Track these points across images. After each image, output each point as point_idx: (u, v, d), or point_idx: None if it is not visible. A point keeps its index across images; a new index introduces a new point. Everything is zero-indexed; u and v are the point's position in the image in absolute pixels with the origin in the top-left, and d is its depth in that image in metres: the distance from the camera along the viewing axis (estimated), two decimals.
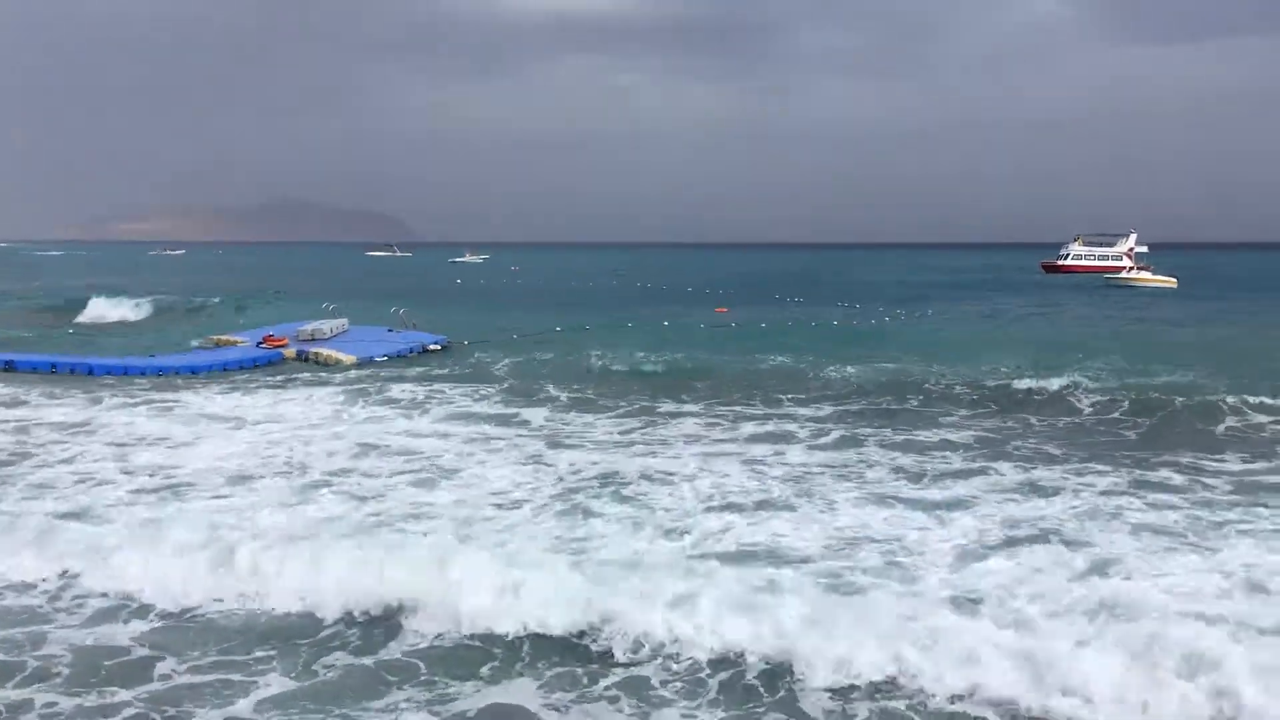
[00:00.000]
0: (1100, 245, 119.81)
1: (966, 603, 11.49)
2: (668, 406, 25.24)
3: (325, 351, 34.34)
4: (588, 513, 15.55)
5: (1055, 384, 25.42)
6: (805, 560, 13.20)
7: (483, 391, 27.41)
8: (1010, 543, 13.83)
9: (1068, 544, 13.66)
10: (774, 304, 60.42)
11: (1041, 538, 14.01)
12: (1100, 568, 12.71)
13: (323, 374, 31.37)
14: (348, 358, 33.64)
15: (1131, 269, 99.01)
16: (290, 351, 35.10)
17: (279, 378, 30.72)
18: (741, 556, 13.36)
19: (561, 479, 17.78)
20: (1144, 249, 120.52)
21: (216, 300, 58.56)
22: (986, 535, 14.22)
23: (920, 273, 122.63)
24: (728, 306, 57.26)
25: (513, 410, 24.69)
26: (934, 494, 16.57)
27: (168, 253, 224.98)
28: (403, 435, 21.80)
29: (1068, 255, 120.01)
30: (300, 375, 31.23)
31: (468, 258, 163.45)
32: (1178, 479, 17.47)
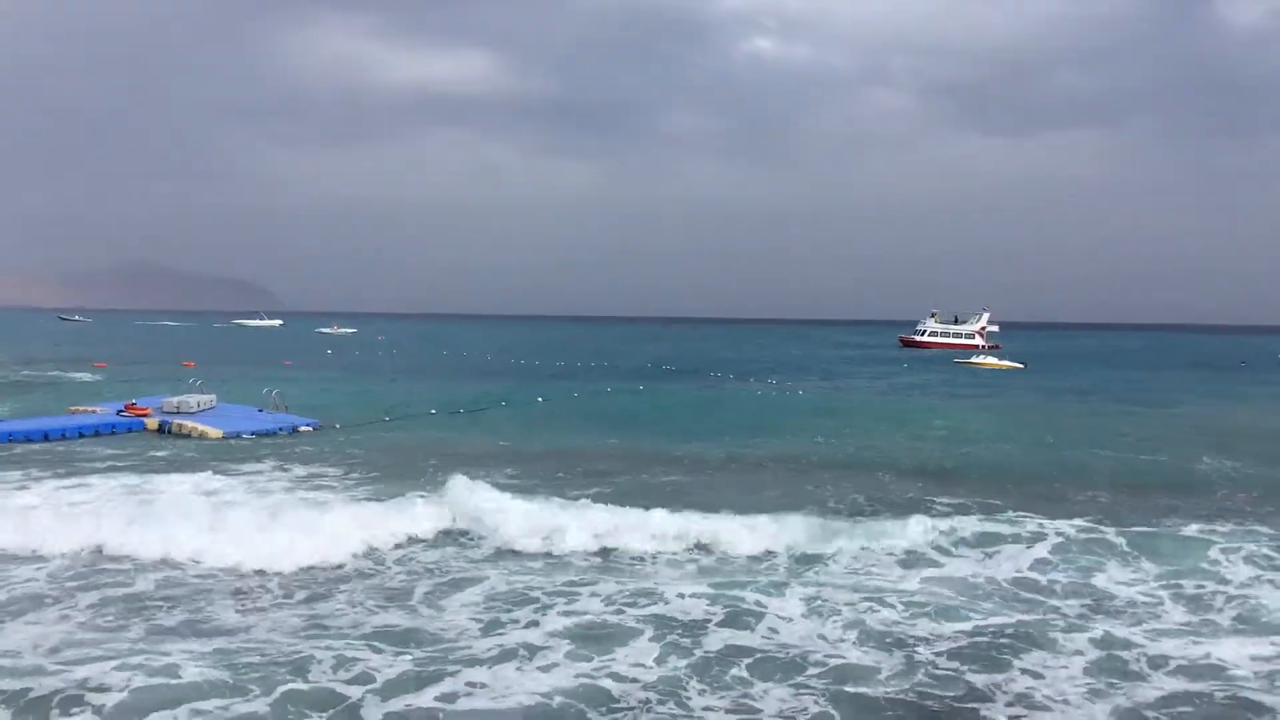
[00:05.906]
0: (954, 322, 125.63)
1: None
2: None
3: (190, 424, 33.26)
4: None
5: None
6: None
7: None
8: None
9: None
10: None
11: None
12: None
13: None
14: (214, 431, 32.64)
15: (983, 348, 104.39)
16: (153, 422, 33.90)
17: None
18: None
19: None
20: (995, 328, 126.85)
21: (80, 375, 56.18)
22: None
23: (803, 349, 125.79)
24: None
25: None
26: None
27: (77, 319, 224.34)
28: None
29: (924, 331, 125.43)
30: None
31: (334, 330, 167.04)
32: None
